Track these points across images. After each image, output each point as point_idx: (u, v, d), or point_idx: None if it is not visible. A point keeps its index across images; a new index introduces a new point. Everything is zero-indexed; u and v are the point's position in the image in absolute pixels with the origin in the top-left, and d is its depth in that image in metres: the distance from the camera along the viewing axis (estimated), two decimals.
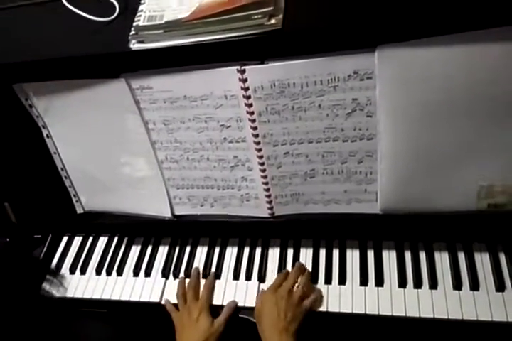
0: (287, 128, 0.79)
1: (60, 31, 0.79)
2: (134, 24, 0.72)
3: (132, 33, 0.72)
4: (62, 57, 0.75)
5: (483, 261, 0.89)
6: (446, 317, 0.83)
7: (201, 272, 0.98)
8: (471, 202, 0.81)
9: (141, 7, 0.74)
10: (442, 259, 0.90)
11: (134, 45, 0.72)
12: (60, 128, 0.90)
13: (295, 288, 0.88)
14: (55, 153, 0.94)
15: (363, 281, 0.90)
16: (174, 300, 0.95)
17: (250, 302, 0.92)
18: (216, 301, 0.94)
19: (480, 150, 0.75)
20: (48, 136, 0.91)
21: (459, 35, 0.63)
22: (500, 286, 0.84)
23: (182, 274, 0.99)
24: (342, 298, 0.89)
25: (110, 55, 0.74)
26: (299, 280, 0.90)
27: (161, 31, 0.70)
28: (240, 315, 0.92)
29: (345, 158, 0.82)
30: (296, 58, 0.70)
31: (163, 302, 0.96)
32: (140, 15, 0.73)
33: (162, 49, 0.71)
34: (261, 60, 0.72)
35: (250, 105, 0.77)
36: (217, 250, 1.01)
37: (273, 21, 0.66)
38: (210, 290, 0.94)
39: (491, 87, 0.68)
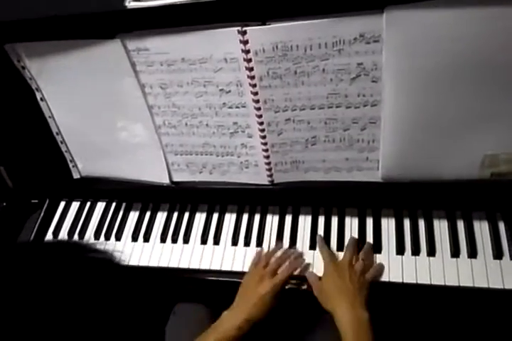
0: (289, 94, 0.77)
1: None
2: None
3: None
4: (55, 16, 0.72)
5: (482, 229, 0.89)
6: (443, 283, 0.84)
7: (200, 238, 0.98)
8: (474, 170, 0.80)
9: None
10: (441, 227, 0.91)
11: (130, 3, 0.69)
12: (54, 91, 0.87)
13: (354, 261, 0.86)
14: (49, 117, 0.91)
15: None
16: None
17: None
18: (214, 267, 0.94)
19: (486, 118, 0.73)
20: (41, 99, 0.89)
21: None
22: (498, 254, 0.85)
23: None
24: None
25: (105, 14, 0.71)
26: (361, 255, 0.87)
27: None
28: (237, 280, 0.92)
29: (348, 125, 0.80)
30: (300, 19, 0.67)
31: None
32: None
33: (159, 7, 0.68)
34: (263, 21, 0.69)
35: (251, 69, 0.74)
36: (215, 216, 1.01)
37: None
38: (291, 271, 0.87)
39: (501, 52, 0.65)
